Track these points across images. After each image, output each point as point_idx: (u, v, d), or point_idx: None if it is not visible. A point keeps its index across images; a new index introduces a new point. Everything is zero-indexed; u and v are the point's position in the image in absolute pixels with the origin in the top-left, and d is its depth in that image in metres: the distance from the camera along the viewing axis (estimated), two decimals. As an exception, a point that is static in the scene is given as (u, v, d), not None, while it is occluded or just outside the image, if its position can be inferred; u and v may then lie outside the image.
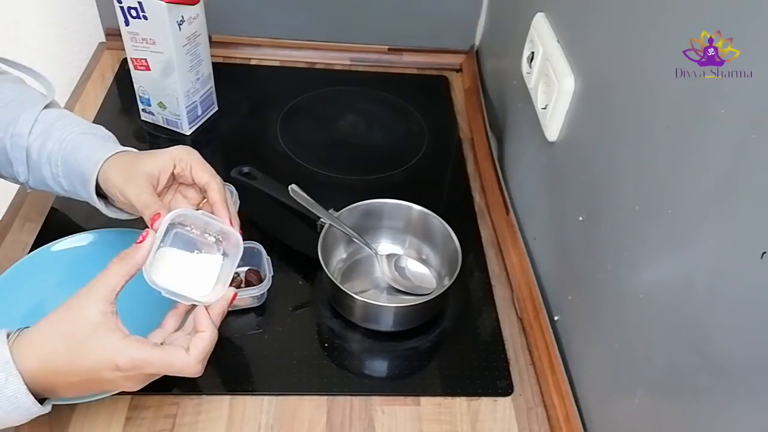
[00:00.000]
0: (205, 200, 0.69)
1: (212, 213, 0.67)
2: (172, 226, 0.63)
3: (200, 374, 0.59)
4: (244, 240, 0.67)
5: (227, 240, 0.67)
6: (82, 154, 0.70)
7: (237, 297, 0.66)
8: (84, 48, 1.17)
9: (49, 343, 0.55)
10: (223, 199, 0.67)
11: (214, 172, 0.69)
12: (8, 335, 0.55)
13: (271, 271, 0.77)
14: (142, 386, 0.59)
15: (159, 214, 0.62)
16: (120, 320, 0.58)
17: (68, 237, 0.80)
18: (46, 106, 0.74)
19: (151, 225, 0.62)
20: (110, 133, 0.76)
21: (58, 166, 0.71)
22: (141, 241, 0.60)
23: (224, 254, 0.66)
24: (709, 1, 0.48)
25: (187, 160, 0.68)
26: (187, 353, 0.58)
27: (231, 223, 0.66)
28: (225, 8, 1.09)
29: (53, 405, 0.59)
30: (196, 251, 0.65)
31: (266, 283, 0.76)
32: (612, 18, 0.64)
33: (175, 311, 0.64)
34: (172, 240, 0.64)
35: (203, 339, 0.59)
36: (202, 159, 0.70)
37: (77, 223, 0.84)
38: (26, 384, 0.54)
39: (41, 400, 0.56)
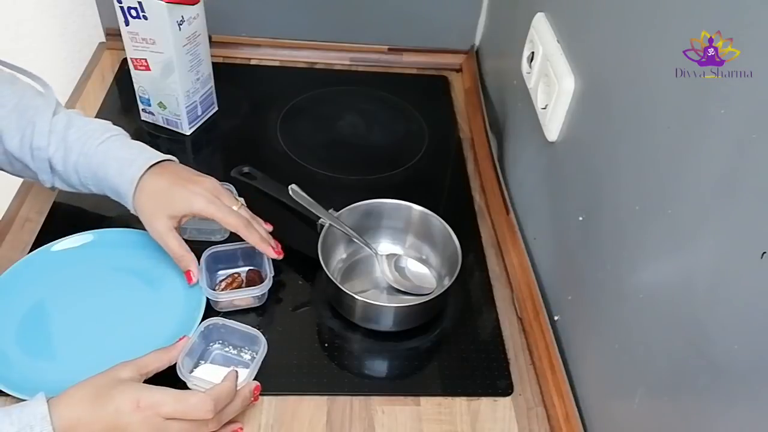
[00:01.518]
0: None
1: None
2: (212, 347, 0.73)
3: (211, 416, 0.61)
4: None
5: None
6: (112, 170, 0.74)
7: (238, 298, 0.75)
8: (84, 48, 1.16)
9: (81, 393, 0.59)
10: (260, 239, 0.76)
11: (238, 218, 0.75)
12: (47, 397, 0.58)
13: (272, 271, 0.77)
14: None
15: (189, 272, 0.75)
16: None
17: (68, 237, 0.80)
18: (54, 113, 0.76)
19: (188, 279, 0.75)
20: (122, 129, 0.79)
21: (87, 177, 0.76)
22: (179, 342, 0.68)
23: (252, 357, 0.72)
24: (709, 1, 0.48)
25: (208, 216, 0.74)
26: (203, 392, 0.62)
27: (273, 249, 0.77)
28: (225, 8, 1.09)
29: None
30: (232, 366, 0.70)
31: (267, 283, 0.76)
32: (612, 18, 0.64)
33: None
34: (212, 357, 0.72)
35: (220, 384, 0.64)
36: (223, 208, 0.74)
37: (77, 223, 0.84)
38: None
39: None
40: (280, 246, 0.78)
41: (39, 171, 0.76)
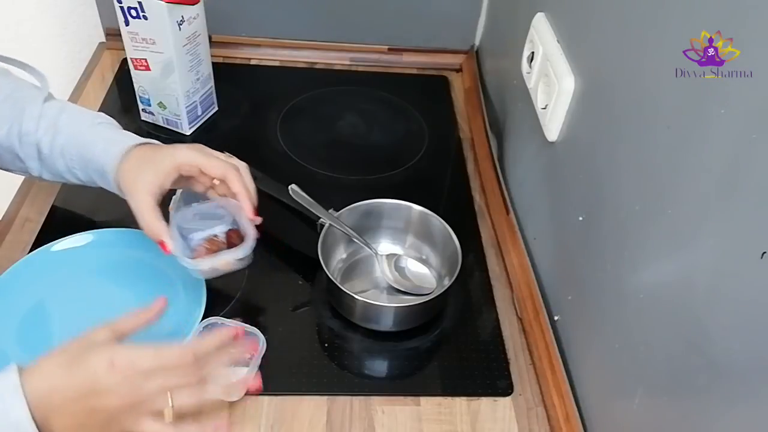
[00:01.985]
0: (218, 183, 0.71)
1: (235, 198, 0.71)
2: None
3: (190, 365, 0.58)
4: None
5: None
6: (98, 149, 0.71)
7: (220, 263, 0.70)
8: (84, 48, 1.17)
9: (54, 360, 0.56)
10: (244, 189, 0.70)
11: (226, 164, 0.70)
12: (19, 367, 0.55)
13: (254, 229, 0.71)
14: (137, 413, 0.57)
15: (163, 242, 0.68)
16: None
17: (68, 237, 0.80)
18: (46, 99, 0.75)
19: (163, 249, 0.68)
20: (114, 120, 0.78)
21: (73, 160, 0.73)
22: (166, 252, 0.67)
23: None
24: (709, 1, 0.48)
25: (191, 163, 0.69)
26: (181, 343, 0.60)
27: (252, 211, 0.70)
28: (225, 8, 1.09)
29: None
30: (232, 365, 0.68)
31: (250, 242, 0.69)
32: (612, 18, 0.64)
33: None
34: None
35: (202, 338, 0.61)
36: (209, 154, 0.70)
37: (77, 223, 0.84)
38: (30, 410, 0.53)
39: None
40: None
41: (26, 158, 0.74)
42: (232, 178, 0.70)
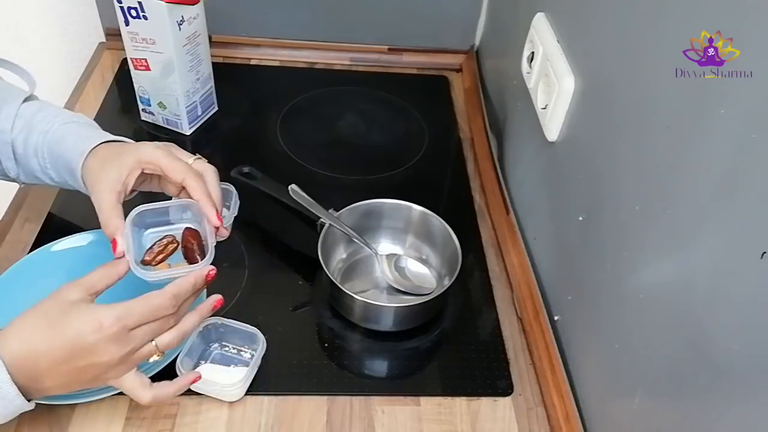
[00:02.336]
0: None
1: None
2: (212, 346, 0.72)
3: (173, 310, 0.59)
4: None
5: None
6: (67, 144, 0.69)
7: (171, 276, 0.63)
8: (84, 48, 1.16)
9: (30, 323, 0.56)
10: (205, 195, 0.65)
11: (187, 168, 0.66)
12: None
13: (214, 239, 0.65)
14: (127, 365, 0.58)
15: (115, 241, 0.62)
16: None
17: (68, 237, 0.80)
18: (25, 100, 0.73)
19: (113, 248, 0.62)
20: (92, 120, 0.75)
21: (45, 158, 0.71)
22: (115, 252, 0.62)
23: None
24: (709, 1, 0.48)
25: (153, 161, 0.66)
26: (161, 290, 0.59)
27: (218, 217, 0.65)
28: (225, 8, 1.09)
29: (54, 405, 0.58)
30: (232, 365, 0.71)
31: (208, 258, 0.63)
32: (612, 18, 0.64)
33: None
34: (212, 357, 0.72)
35: (181, 279, 0.60)
36: (173, 156, 0.67)
37: (77, 223, 0.84)
38: (9, 374, 0.54)
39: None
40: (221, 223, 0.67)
41: (3, 158, 0.73)
42: (191, 184, 0.65)
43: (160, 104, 0.99)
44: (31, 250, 0.80)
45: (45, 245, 0.79)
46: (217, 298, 0.64)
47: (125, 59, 0.98)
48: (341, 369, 0.74)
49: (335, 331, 0.78)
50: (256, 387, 0.71)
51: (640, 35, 0.58)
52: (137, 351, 0.59)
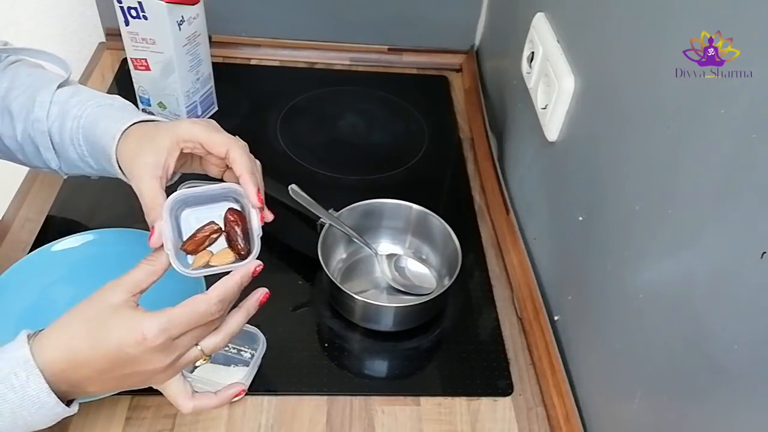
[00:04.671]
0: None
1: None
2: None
3: (219, 315, 0.55)
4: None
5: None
6: (100, 128, 0.65)
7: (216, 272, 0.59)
8: (84, 48, 1.16)
9: (70, 330, 0.53)
10: (249, 170, 0.60)
11: (230, 139, 0.62)
12: (29, 336, 0.53)
13: (260, 229, 0.59)
14: (172, 371, 0.56)
15: (154, 230, 0.58)
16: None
17: (68, 237, 0.80)
18: (60, 86, 0.70)
19: (150, 235, 0.57)
20: (129, 102, 0.71)
21: (81, 145, 0.67)
22: (150, 241, 0.57)
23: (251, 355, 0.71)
24: (709, 1, 0.48)
25: (192, 138, 0.61)
26: (205, 295, 0.55)
27: (256, 196, 0.59)
28: (225, 8, 1.09)
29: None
30: (232, 365, 0.71)
31: (255, 251, 0.58)
32: (612, 18, 0.64)
33: None
34: (212, 356, 0.71)
35: (225, 282, 0.56)
36: (212, 129, 0.62)
37: (77, 223, 0.84)
38: (48, 382, 0.51)
39: (68, 402, 0.54)
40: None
41: (43, 149, 0.69)
42: (234, 157, 0.60)
43: (160, 104, 0.99)
44: (31, 250, 0.80)
45: (45, 245, 0.79)
46: (263, 291, 0.59)
47: (125, 59, 0.98)
48: (341, 369, 0.74)
49: (335, 331, 0.78)
50: (256, 387, 0.70)
51: (640, 35, 0.58)
52: (182, 357, 0.56)
